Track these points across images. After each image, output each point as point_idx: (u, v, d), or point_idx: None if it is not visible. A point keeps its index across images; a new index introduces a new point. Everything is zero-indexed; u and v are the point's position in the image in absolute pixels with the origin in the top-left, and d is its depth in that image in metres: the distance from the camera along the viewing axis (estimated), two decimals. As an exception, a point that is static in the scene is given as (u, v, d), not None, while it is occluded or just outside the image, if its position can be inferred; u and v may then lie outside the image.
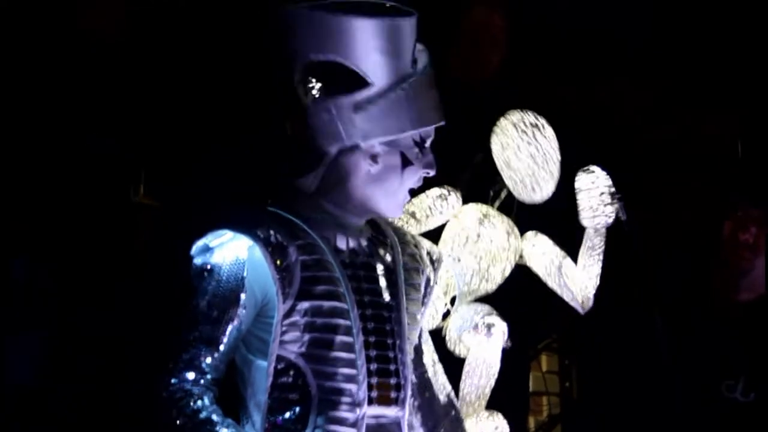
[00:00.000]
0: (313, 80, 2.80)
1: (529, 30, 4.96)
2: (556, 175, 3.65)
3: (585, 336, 4.83)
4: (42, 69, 4.26)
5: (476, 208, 3.66)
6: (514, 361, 3.94)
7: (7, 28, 4.26)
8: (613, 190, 3.57)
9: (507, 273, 3.64)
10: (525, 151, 3.61)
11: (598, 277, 3.61)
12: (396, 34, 2.81)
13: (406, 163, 2.85)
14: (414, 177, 2.88)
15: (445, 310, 3.64)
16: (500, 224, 3.62)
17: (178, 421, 2.64)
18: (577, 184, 3.61)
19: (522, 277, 3.74)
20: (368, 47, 2.78)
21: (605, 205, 3.56)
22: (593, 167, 3.60)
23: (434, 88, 2.88)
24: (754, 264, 3.96)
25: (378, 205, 2.87)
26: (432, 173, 2.91)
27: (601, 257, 3.62)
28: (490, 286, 3.62)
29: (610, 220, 3.58)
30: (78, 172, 4.25)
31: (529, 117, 3.65)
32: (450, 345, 3.59)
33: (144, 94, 4.32)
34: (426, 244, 3.12)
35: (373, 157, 2.82)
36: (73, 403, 4.17)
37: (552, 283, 3.65)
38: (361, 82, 2.79)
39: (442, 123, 2.90)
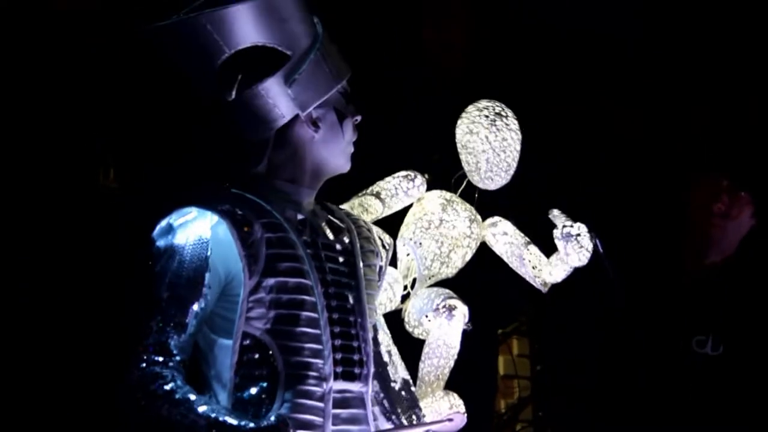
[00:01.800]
0: (234, 75, 2.84)
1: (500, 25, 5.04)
2: (513, 165, 3.70)
3: (551, 319, 4.92)
4: (11, 53, 4.26)
5: (440, 194, 3.72)
6: (482, 344, 4.00)
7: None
8: (582, 229, 3.58)
9: (467, 258, 3.69)
10: (484, 136, 3.67)
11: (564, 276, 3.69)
12: (292, 1, 2.87)
13: (341, 116, 2.95)
14: (351, 127, 2.98)
15: (404, 293, 3.68)
16: (463, 211, 3.67)
17: (152, 404, 2.65)
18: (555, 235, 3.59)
19: (490, 260, 3.81)
20: (272, 23, 2.83)
21: (583, 245, 3.56)
22: (554, 211, 3.62)
23: (332, 42, 2.96)
24: (726, 230, 4.17)
25: (329, 165, 2.96)
26: (359, 118, 2.99)
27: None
28: (450, 270, 3.68)
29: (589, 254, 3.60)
30: (47, 157, 4.27)
31: (496, 105, 3.72)
32: (408, 328, 3.64)
33: (114, 80, 4.34)
34: (377, 230, 3.22)
35: (314, 123, 2.91)
36: (37, 389, 4.20)
37: (514, 264, 3.70)
38: (280, 58, 2.85)
39: (351, 72, 2.98)
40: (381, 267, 3.10)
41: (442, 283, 3.73)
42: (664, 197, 4.50)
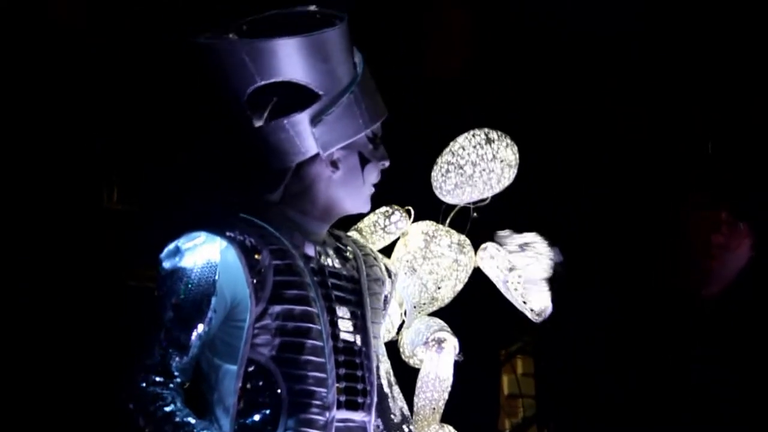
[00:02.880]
0: (264, 103, 2.84)
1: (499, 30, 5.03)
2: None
3: (552, 339, 4.93)
4: (13, 70, 4.26)
5: (424, 229, 3.61)
6: (485, 364, 3.97)
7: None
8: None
9: (458, 290, 3.62)
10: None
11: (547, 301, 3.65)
12: (335, 42, 2.86)
13: (364, 161, 2.94)
14: (374, 172, 2.97)
15: (400, 322, 3.60)
16: (447, 244, 3.59)
17: (150, 426, 2.65)
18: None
19: (489, 281, 3.80)
20: (311, 62, 2.82)
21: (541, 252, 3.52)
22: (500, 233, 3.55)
23: (373, 83, 2.96)
24: (725, 262, 4.24)
25: (344, 205, 2.96)
26: (387, 164, 2.99)
27: None
28: (440, 303, 3.61)
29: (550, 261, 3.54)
30: (51, 177, 4.26)
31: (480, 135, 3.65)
32: (404, 358, 3.58)
33: (118, 100, 4.33)
34: (383, 258, 3.22)
35: (334, 163, 2.91)
36: (36, 389, 4.20)
37: (502, 290, 3.68)
38: (311, 96, 2.84)
39: (387, 114, 2.98)
40: (386, 296, 3.11)
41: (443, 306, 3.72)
42: (663, 210, 4.51)
